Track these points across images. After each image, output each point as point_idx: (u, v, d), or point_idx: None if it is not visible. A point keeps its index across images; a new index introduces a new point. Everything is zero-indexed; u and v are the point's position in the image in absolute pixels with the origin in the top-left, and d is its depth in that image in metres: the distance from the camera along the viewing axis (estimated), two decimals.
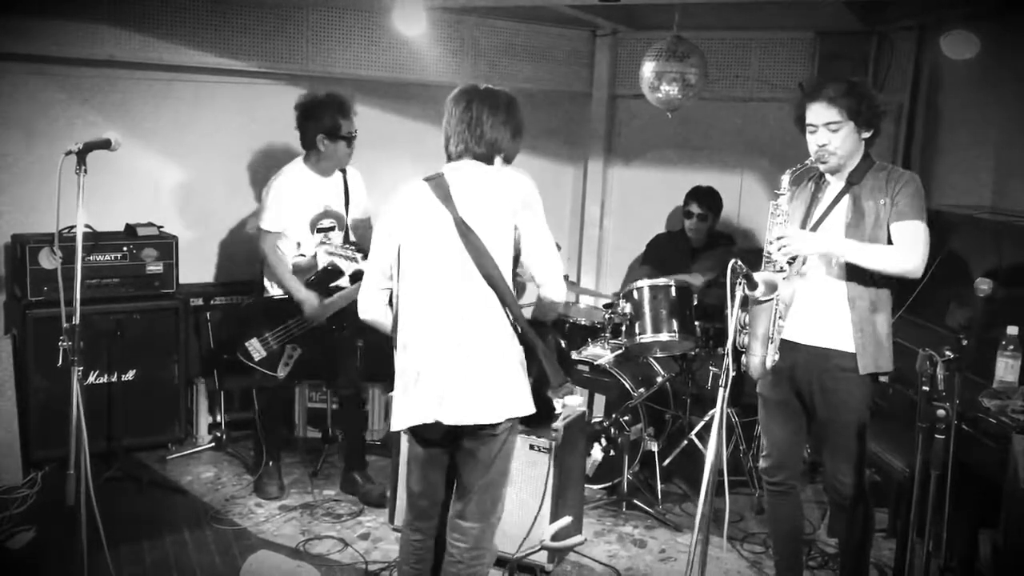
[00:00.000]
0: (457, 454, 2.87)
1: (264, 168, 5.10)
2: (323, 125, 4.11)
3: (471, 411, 2.72)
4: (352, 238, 4.34)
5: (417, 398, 2.76)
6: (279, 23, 4.97)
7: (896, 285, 3.13)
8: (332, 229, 4.28)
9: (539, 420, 2.88)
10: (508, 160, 2.89)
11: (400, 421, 2.82)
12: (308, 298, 4.12)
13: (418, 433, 2.86)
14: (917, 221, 2.97)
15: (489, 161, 2.84)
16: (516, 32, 5.72)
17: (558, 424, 3.63)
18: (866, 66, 5.22)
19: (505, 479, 2.89)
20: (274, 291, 4.22)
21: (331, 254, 3.83)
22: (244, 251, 5.15)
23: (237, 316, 4.78)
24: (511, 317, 2.75)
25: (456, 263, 2.74)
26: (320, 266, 4.23)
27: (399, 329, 2.84)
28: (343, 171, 4.30)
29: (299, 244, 4.22)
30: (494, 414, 2.73)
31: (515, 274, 2.82)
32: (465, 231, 2.73)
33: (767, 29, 5.56)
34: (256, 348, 4.16)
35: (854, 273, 3.04)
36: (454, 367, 2.73)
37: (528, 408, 2.79)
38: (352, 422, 4.49)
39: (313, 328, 4.17)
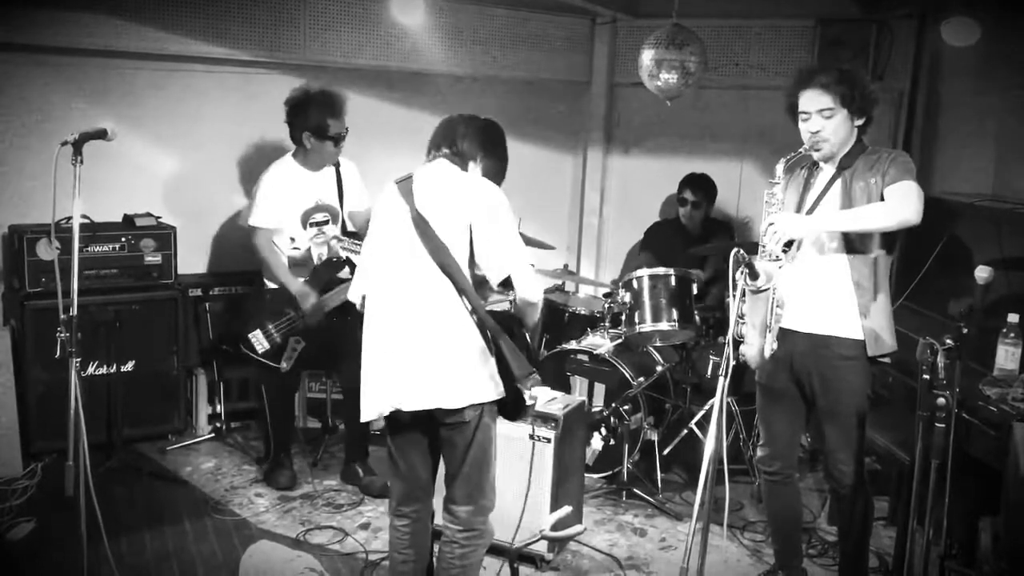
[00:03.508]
0: (438, 441, 2.92)
1: (262, 159, 5.07)
2: (309, 123, 4.08)
3: (429, 397, 2.78)
4: (350, 229, 4.32)
5: (380, 387, 2.85)
6: (276, 12, 4.93)
7: (895, 270, 3.12)
8: (326, 223, 4.26)
9: (513, 411, 2.91)
10: (486, 175, 2.93)
11: (366, 411, 2.91)
12: (304, 294, 4.11)
13: (392, 418, 2.91)
14: (907, 180, 2.93)
15: (463, 166, 2.92)
16: (514, 20, 5.69)
17: (557, 414, 3.63)
18: (866, 54, 5.20)
19: (487, 464, 2.90)
20: (274, 283, 4.21)
21: (345, 249, 3.82)
22: (242, 242, 5.14)
23: (240, 308, 4.77)
24: (469, 307, 2.77)
25: (411, 254, 2.81)
26: (317, 260, 4.22)
27: (366, 321, 2.92)
28: (336, 164, 4.26)
29: (292, 239, 4.20)
30: (453, 399, 2.77)
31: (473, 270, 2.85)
32: (420, 223, 2.80)
33: (767, 17, 5.54)
34: (259, 340, 4.15)
35: (854, 259, 3.03)
36: (411, 354, 2.79)
37: (492, 394, 2.81)
38: (355, 413, 4.46)
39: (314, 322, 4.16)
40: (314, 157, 4.17)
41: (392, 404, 2.83)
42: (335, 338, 4.25)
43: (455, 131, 2.94)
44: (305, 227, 4.21)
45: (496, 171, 2.98)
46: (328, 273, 4.20)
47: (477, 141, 2.93)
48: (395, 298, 2.84)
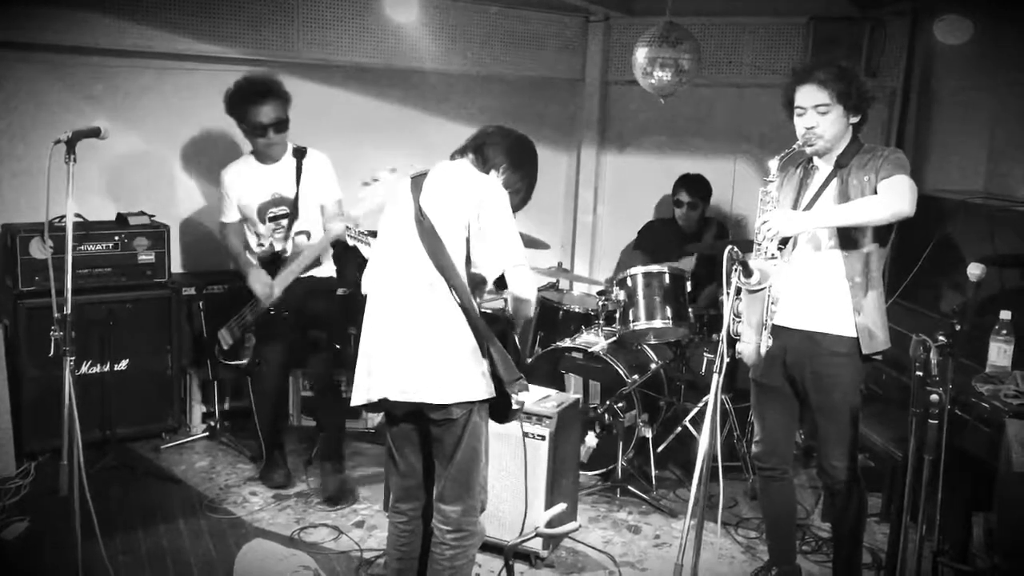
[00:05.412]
0: (430, 438, 2.92)
1: None
2: (235, 116, 4.04)
3: (415, 391, 2.77)
4: (304, 227, 4.18)
5: (370, 377, 2.85)
6: (269, 10, 4.92)
7: (888, 266, 3.13)
8: (285, 216, 4.17)
9: (500, 414, 2.91)
10: (507, 187, 2.90)
11: (356, 397, 2.91)
12: (256, 277, 4.08)
13: (387, 411, 2.93)
14: (900, 174, 2.93)
15: (484, 172, 2.91)
16: (508, 18, 5.69)
17: (551, 412, 3.63)
18: (860, 52, 5.22)
19: (476, 463, 2.89)
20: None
21: (353, 238, 3.79)
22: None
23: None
24: (461, 306, 2.77)
25: (410, 249, 2.81)
26: (282, 252, 4.21)
27: (365, 313, 2.92)
28: (299, 156, 4.15)
29: (259, 235, 4.20)
30: (439, 395, 2.76)
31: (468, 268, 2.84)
32: (420, 218, 2.80)
33: (760, 15, 5.55)
34: (224, 338, 4.20)
35: (848, 255, 3.04)
36: (401, 348, 2.79)
37: (483, 394, 2.79)
38: (327, 410, 4.42)
39: (264, 313, 4.13)
40: (261, 150, 4.11)
41: (379, 393, 2.82)
42: (296, 340, 4.23)
43: (485, 137, 2.94)
44: (264, 221, 4.17)
45: (519, 187, 2.95)
46: (275, 263, 4.16)
47: (503, 151, 2.92)
48: (392, 291, 2.85)
